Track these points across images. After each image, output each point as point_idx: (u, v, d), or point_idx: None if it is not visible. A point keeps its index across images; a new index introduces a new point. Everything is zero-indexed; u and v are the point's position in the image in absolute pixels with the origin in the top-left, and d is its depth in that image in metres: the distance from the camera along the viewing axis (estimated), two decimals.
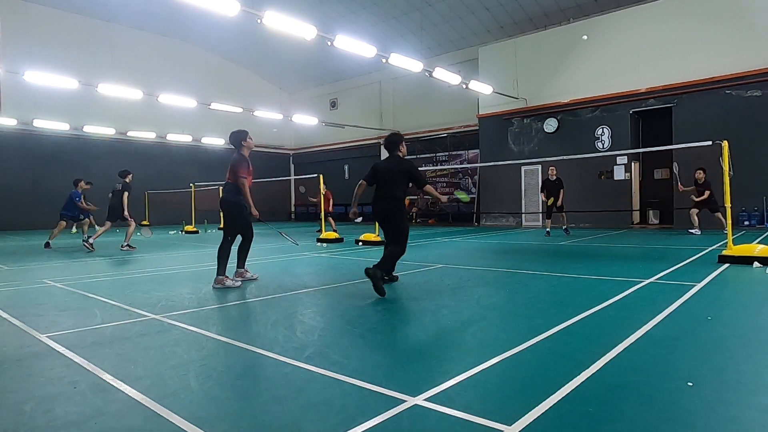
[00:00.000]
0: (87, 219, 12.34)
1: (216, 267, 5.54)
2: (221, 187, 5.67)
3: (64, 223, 11.67)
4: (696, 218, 11.67)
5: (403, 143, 5.54)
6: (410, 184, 5.38)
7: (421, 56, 16.38)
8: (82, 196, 11.89)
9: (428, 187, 5.43)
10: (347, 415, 2.09)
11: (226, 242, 5.59)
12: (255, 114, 21.17)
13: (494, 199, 18.40)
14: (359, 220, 21.24)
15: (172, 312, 4.22)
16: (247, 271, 5.98)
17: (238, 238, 5.87)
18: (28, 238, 14.50)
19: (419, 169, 5.55)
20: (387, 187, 5.27)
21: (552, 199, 12.19)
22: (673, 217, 14.92)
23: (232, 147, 5.85)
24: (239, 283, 5.55)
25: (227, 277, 5.51)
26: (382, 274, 4.84)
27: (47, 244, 11.23)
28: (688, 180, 11.89)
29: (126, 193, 10.33)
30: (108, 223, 10.53)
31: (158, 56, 23.05)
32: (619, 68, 15.38)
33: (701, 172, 11.37)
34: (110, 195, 10.71)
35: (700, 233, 11.65)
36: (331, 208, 14.86)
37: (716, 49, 13.70)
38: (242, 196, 5.55)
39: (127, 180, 10.56)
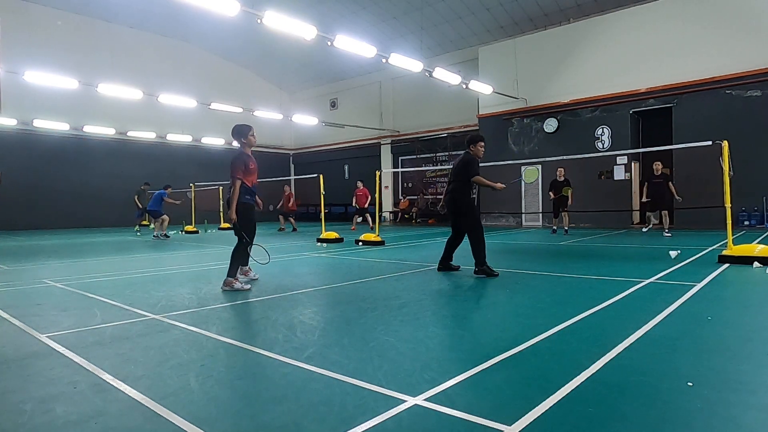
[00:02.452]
0: (166, 215, 14.05)
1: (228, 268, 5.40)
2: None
3: (165, 216, 13.84)
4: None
5: (477, 143, 6.19)
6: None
7: (421, 56, 16.37)
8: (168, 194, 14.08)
9: (476, 179, 6.07)
10: (347, 415, 2.09)
11: (240, 244, 5.43)
12: (255, 114, 21.18)
13: (494, 199, 18.38)
14: (360, 220, 21.25)
15: (172, 312, 4.22)
16: (250, 270, 5.95)
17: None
18: (28, 238, 14.50)
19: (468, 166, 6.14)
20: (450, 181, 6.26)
21: (562, 193, 12.54)
22: (673, 217, 14.91)
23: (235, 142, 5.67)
24: (248, 286, 5.37)
25: (236, 279, 5.36)
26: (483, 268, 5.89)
27: (166, 235, 13.69)
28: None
29: None
30: None
31: (158, 56, 23.04)
32: (619, 68, 15.37)
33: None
34: None
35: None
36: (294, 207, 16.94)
37: (716, 49, 13.71)
38: (248, 195, 5.38)
39: None
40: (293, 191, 17.74)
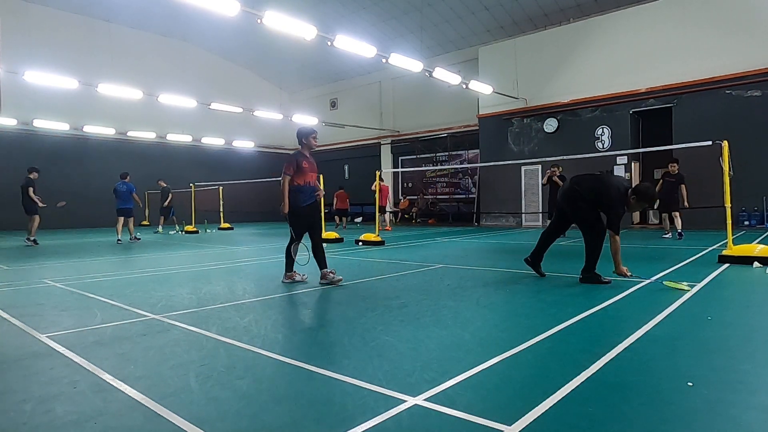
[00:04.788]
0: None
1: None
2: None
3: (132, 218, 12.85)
4: None
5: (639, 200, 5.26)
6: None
7: (421, 56, 16.36)
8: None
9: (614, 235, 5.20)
10: (347, 415, 2.09)
11: (293, 242, 5.68)
12: (255, 114, 21.18)
13: (494, 199, 18.40)
14: (359, 220, 21.25)
15: (172, 312, 4.22)
16: (296, 273, 5.77)
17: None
18: None
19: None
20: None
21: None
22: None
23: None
24: (306, 276, 5.76)
25: (296, 272, 5.73)
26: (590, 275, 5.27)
27: (134, 238, 12.65)
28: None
29: (30, 188, 11.72)
30: (30, 217, 12.00)
31: (158, 56, 23.04)
32: (619, 68, 15.37)
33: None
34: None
35: None
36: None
37: (716, 49, 13.70)
38: (300, 196, 5.55)
39: (32, 176, 11.95)
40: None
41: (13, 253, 10.21)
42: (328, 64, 23.75)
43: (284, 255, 5.75)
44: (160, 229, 17.07)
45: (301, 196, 5.56)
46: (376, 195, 12.40)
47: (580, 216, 5.41)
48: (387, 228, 16.36)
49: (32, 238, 11.84)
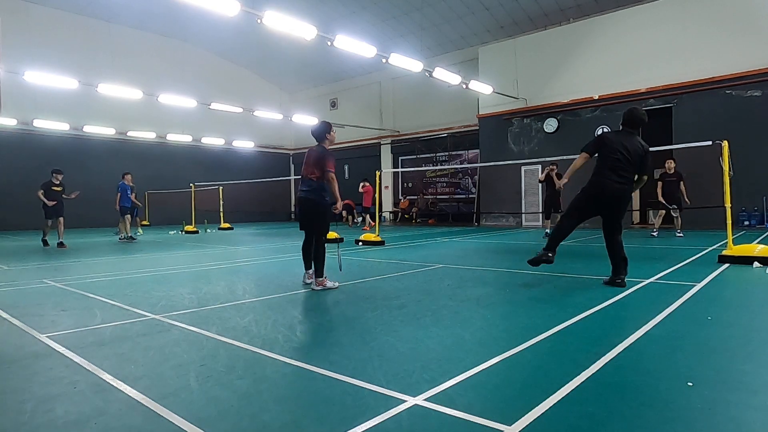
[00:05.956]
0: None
1: (314, 269, 5.34)
2: (303, 186, 5.27)
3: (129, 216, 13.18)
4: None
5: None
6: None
7: (421, 56, 16.37)
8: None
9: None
10: (347, 415, 2.09)
11: (321, 242, 5.38)
12: (255, 114, 21.17)
13: (494, 199, 18.40)
14: (360, 220, 21.25)
15: (172, 312, 4.22)
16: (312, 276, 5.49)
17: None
18: (29, 238, 14.50)
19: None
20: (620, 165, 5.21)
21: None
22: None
23: (315, 140, 5.55)
24: (337, 284, 5.39)
25: (326, 278, 5.34)
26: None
27: (131, 238, 12.99)
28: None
29: (41, 191, 11.53)
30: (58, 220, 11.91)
31: (158, 56, 23.04)
32: (619, 68, 15.37)
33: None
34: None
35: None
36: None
37: (716, 49, 13.71)
38: (327, 193, 5.30)
39: (53, 179, 11.72)
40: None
41: (14, 253, 10.21)
42: (328, 64, 23.74)
43: (309, 256, 5.39)
44: (140, 230, 16.69)
45: (327, 192, 5.38)
46: (376, 195, 12.41)
47: (623, 213, 5.22)
48: (365, 228, 16.52)
49: (60, 240, 11.55)
